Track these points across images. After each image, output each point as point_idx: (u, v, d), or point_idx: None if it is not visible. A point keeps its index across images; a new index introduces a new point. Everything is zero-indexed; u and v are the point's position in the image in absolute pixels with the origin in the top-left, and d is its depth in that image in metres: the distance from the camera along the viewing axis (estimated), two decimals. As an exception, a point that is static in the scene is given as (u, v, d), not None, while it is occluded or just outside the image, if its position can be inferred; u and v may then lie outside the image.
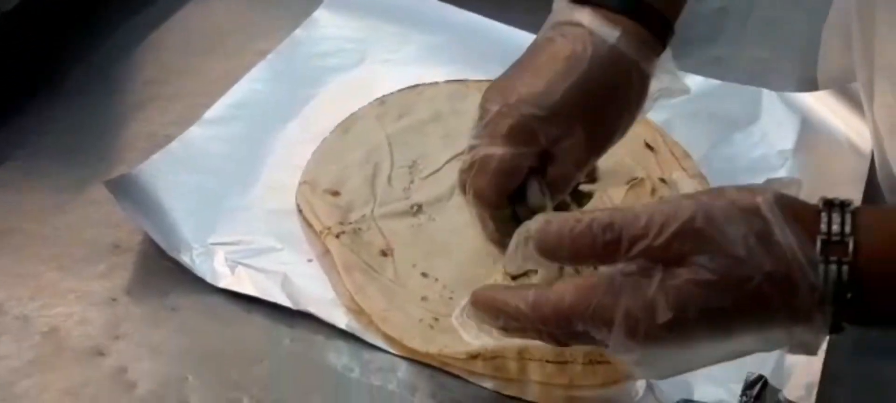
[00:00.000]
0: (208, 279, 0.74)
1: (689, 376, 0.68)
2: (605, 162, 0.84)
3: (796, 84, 0.94)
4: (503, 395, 0.68)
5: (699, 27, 1.02)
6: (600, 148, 0.72)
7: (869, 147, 0.85)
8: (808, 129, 0.88)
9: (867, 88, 0.80)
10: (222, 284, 0.74)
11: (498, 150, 0.68)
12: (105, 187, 0.76)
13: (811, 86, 0.94)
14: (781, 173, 0.84)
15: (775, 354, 0.68)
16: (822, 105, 0.90)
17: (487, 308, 0.60)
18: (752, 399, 0.64)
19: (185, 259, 0.75)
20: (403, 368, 0.70)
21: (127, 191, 0.77)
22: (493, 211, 0.70)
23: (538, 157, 0.69)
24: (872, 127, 0.82)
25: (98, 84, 0.93)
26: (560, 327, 0.56)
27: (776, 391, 0.65)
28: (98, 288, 0.74)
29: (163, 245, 0.75)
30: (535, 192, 0.69)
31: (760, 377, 0.64)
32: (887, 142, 0.78)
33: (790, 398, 0.65)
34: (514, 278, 0.74)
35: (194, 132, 0.85)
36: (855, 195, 0.80)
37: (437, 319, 0.72)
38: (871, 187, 0.82)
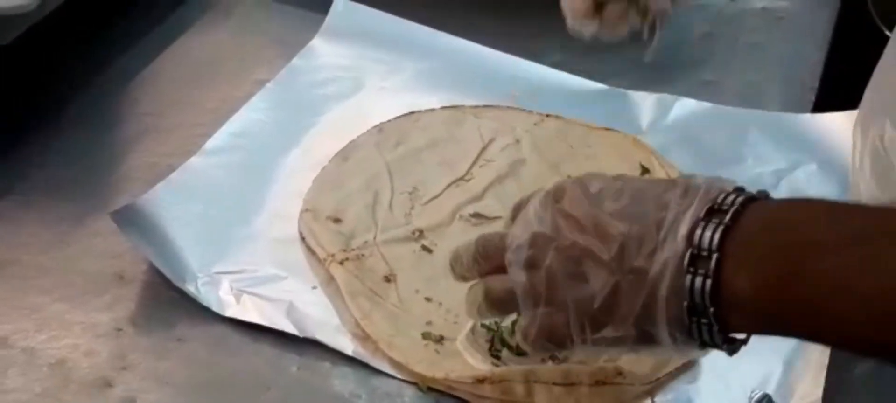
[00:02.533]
0: (214, 308, 0.74)
1: (693, 395, 0.70)
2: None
3: (785, 105, 0.96)
4: (510, 418, 0.69)
5: (688, 52, 1.04)
6: None
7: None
8: (800, 150, 0.89)
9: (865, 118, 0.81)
10: (228, 313, 0.74)
11: None
12: (110, 218, 0.77)
13: (800, 107, 0.95)
14: (775, 194, 0.84)
15: (779, 372, 0.70)
16: (814, 126, 0.92)
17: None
18: (756, 417, 0.65)
19: (190, 288, 0.75)
20: (410, 394, 0.71)
21: (131, 221, 0.77)
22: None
23: None
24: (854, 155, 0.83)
25: (97, 116, 0.93)
26: None
27: (780, 408, 0.66)
28: (104, 319, 0.75)
29: (168, 274, 0.75)
30: None
31: (765, 395, 0.66)
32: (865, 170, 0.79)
33: (793, 414, 0.67)
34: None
35: (196, 162, 0.85)
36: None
37: (442, 343, 0.73)
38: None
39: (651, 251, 0.55)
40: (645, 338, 0.57)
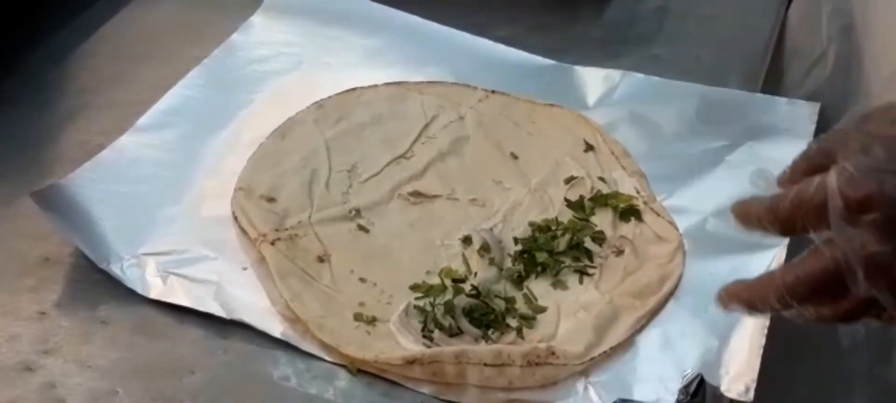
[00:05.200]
0: (139, 290, 0.72)
1: (628, 375, 0.68)
2: (543, 162, 0.84)
3: (735, 80, 0.94)
4: (442, 400, 0.67)
5: (639, 26, 1.03)
6: None
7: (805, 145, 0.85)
8: (748, 126, 0.88)
9: None
10: (153, 295, 0.72)
11: None
12: (32, 199, 0.74)
13: (750, 82, 0.94)
14: (720, 170, 0.83)
15: (714, 352, 0.68)
16: (763, 103, 0.90)
17: (744, 299, 0.58)
18: (689, 397, 0.64)
19: (115, 270, 0.73)
20: (341, 376, 0.69)
21: (54, 202, 0.75)
22: None
23: None
24: None
25: (29, 94, 0.91)
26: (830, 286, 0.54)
27: (715, 388, 0.65)
28: (26, 302, 0.73)
29: (92, 256, 0.73)
30: None
31: (698, 375, 0.64)
32: None
33: (729, 395, 0.65)
34: (454, 281, 0.74)
35: (126, 140, 0.83)
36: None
37: (374, 325, 0.71)
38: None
39: None
40: None
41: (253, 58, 0.94)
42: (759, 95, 0.92)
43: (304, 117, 0.88)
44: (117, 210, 0.77)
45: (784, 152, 0.83)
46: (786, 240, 0.76)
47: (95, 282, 0.74)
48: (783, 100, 0.90)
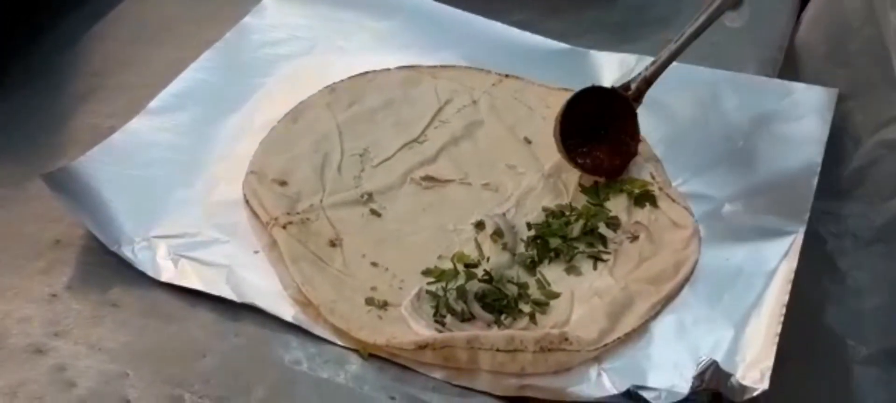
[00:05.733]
0: (150, 273, 0.72)
1: (642, 361, 0.67)
2: (556, 154, 0.83)
3: (751, 66, 0.93)
4: (454, 385, 0.67)
5: (655, 10, 1.01)
6: None
7: (823, 131, 0.84)
8: (764, 112, 0.87)
9: None
10: (165, 278, 0.72)
11: None
12: (42, 181, 0.74)
13: (766, 68, 0.93)
14: (736, 155, 0.82)
15: (729, 339, 0.67)
16: (778, 88, 0.89)
17: None
18: (704, 384, 0.63)
19: (126, 252, 0.73)
20: (353, 360, 0.68)
21: (65, 184, 0.75)
22: None
23: None
24: None
25: (42, 77, 0.91)
26: None
27: (728, 375, 0.64)
28: (38, 284, 0.72)
29: (102, 238, 0.73)
30: None
31: (712, 362, 0.63)
32: None
33: (744, 382, 0.64)
34: (467, 266, 0.73)
35: (137, 123, 0.83)
36: (809, 180, 0.80)
37: (386, 309, 0.70)
38: (824, 174, 0.81)
39: None
40: None
41: (265, 41, 0.93)
42: (776, 81, 0.91)
43: (316, 101, 0.87)
44: (129, 192, 0.77)
45: (801, 138, 0.84)
46: (802, 227, 0.75)
47: (106, 265, 0.73)
48: (800, 85, 0.89)
